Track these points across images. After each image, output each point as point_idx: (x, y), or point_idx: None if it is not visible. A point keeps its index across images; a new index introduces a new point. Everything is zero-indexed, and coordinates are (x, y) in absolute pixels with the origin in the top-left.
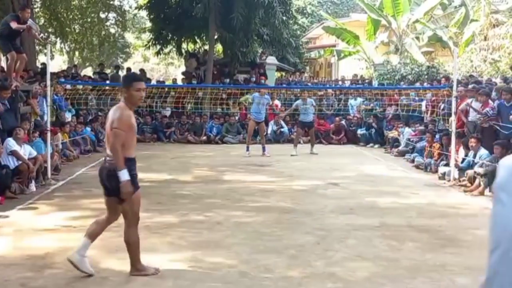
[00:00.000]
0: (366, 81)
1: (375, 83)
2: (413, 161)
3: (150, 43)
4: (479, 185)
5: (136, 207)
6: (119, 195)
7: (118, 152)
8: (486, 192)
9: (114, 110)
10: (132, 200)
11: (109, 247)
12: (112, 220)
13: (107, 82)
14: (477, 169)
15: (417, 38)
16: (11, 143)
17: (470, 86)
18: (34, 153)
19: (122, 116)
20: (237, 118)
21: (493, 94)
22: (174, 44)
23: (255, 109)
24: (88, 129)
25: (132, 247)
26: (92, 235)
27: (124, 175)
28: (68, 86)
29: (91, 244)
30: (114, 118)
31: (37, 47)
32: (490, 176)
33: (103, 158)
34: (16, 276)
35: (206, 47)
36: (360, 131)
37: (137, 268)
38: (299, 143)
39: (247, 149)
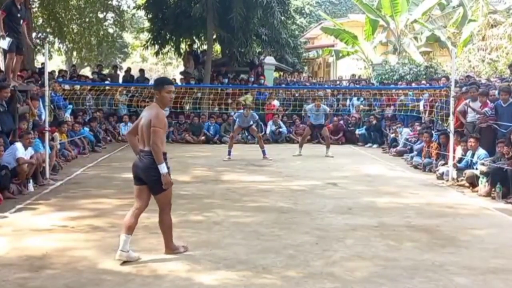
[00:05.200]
0: (365, 81)
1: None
2: (411, 161)
3: (149, 43)
4: (481, 184)
5: (169, 196)
6: (154, 186)
7: (159, 148)
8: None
9: (148, 110)
10: (169, 192)
11: (106, 247)
12: (143, 208)
13: (106, 82)
14: (481, 167)
15: (415, 38)
16: (18, 149)
17: (464, 89)
18: (33, 153)
19: (159, 115)
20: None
21: (496, 93)
22: (172, 44)
23: (240, 121)
24: (86, 129)
25: (166, 230)
26: (131, 229)
27: (163, 168)
28: (67, 87)
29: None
30: (151, 117)
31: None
32: (493, 175)
33: (139, 153)
34: (14, 276)
35: (205, 47)
36: (358, 131)
37: (170, 248)
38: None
39: (229, 153)
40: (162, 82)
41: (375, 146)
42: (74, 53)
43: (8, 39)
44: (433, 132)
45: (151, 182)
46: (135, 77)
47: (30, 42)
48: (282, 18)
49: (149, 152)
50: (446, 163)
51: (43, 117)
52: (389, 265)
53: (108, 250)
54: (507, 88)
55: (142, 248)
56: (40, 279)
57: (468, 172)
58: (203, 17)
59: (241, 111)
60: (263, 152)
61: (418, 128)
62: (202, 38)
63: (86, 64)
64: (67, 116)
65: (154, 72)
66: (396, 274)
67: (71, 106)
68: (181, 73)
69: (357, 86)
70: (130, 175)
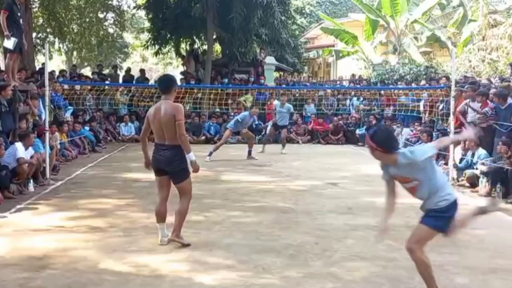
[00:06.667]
0: (364, 82)
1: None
2: None
3: (149, 43)
4: (481, 184)
5: (191, 185)
6: (177, 176)
7: (186, 138)
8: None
9: (165, 106)
10: (189, 180)
11: (106, 247)
12: (167, 196)
13: (106, 82)
14: (481, 167)
15: (416, 38)
16: (19, 149)
17: (465, 87)
18: (33, 153)
19: (179, 108)
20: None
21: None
22: (172, 44)
23: (234, 125)
24: (87, 129)
25: (182, 217)
26: (163, 218)
27: (192, 156)
28: (66, 86)
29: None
30: (173, 112)
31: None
32: (493, 175)
33: (157, 148)
34: (14, 276)
35: (205, 47)
36: (358, 131)
37: (177, 235)
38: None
39: (210, 153)
40: (174, 78)
41: None
42: (74, 53)
43: (13, 39)
44: (433, 132)
45: (175, 172)
46: (135, 77)
47: (25, 41)
48: (282, 18)
49: (170, 146)
50: (446, 163)
51: (43, 117)
52: (389, 265)
53: (109, 250)
54: (501, 93)
55: (142, 247)
56: (40, 279)
57: (468, 172)
58: (203, 17)
59: (247, 112)
60: (249, 152)
61: (418, 128)
62: (202, 38)
63: (86, 64)
64: (67, 116)
65: (154, 72)
66: (396, 274)
67: (71, 108)
68: (181, 73)
69: (357, 86)
70: (130, 175)
